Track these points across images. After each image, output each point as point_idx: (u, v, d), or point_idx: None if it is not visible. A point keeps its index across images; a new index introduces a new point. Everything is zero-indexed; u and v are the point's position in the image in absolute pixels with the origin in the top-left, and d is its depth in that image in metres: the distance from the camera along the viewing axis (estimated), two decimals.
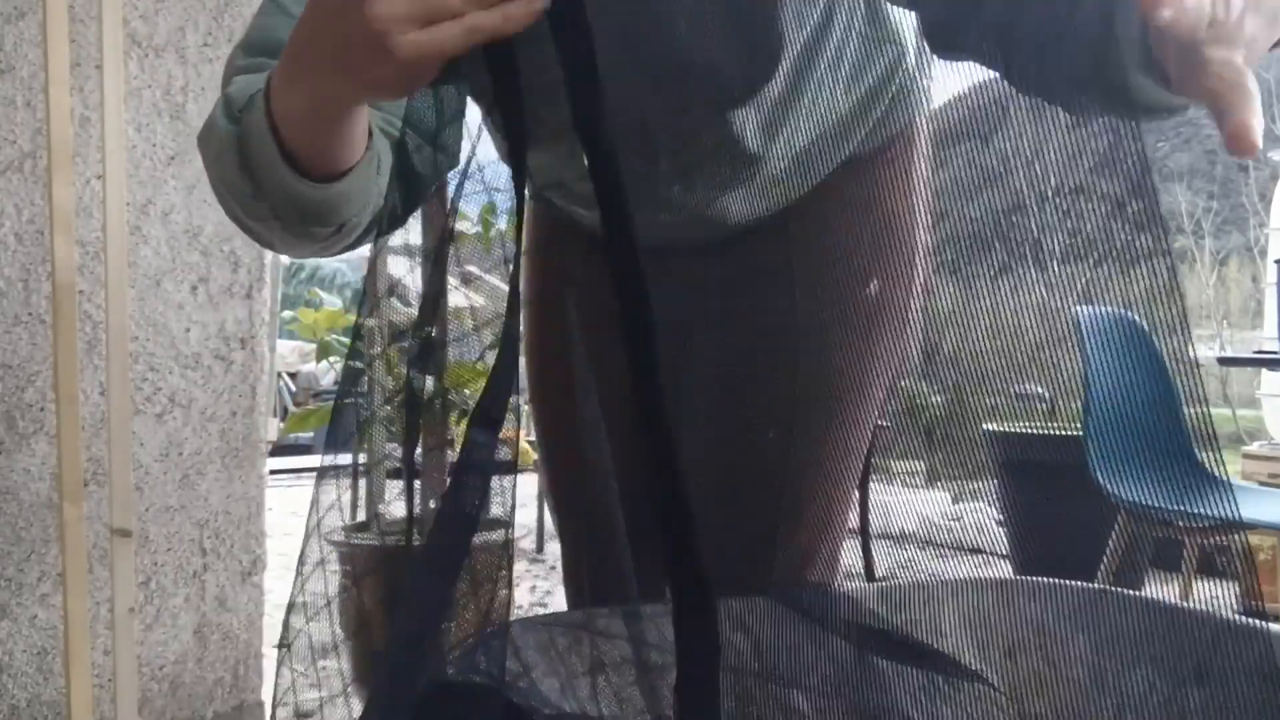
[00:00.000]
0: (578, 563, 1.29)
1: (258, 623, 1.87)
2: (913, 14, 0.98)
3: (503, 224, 1.82)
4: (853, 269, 1.02)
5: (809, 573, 1.13)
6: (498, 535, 1.88)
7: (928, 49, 0.91)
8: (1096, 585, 0.97)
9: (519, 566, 4.15)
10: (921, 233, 1.08)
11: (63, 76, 1.40)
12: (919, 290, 1.08)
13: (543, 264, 1.27)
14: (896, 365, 1.10)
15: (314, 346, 2.29)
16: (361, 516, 2.75)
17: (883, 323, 1.07)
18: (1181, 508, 2.48)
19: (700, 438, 1.13)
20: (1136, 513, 2.34)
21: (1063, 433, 3.82)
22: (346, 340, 2.31)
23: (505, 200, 1.53)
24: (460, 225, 1.74)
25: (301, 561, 0.85)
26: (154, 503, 1.73)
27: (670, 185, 0.99)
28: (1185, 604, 0.96)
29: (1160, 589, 3.66)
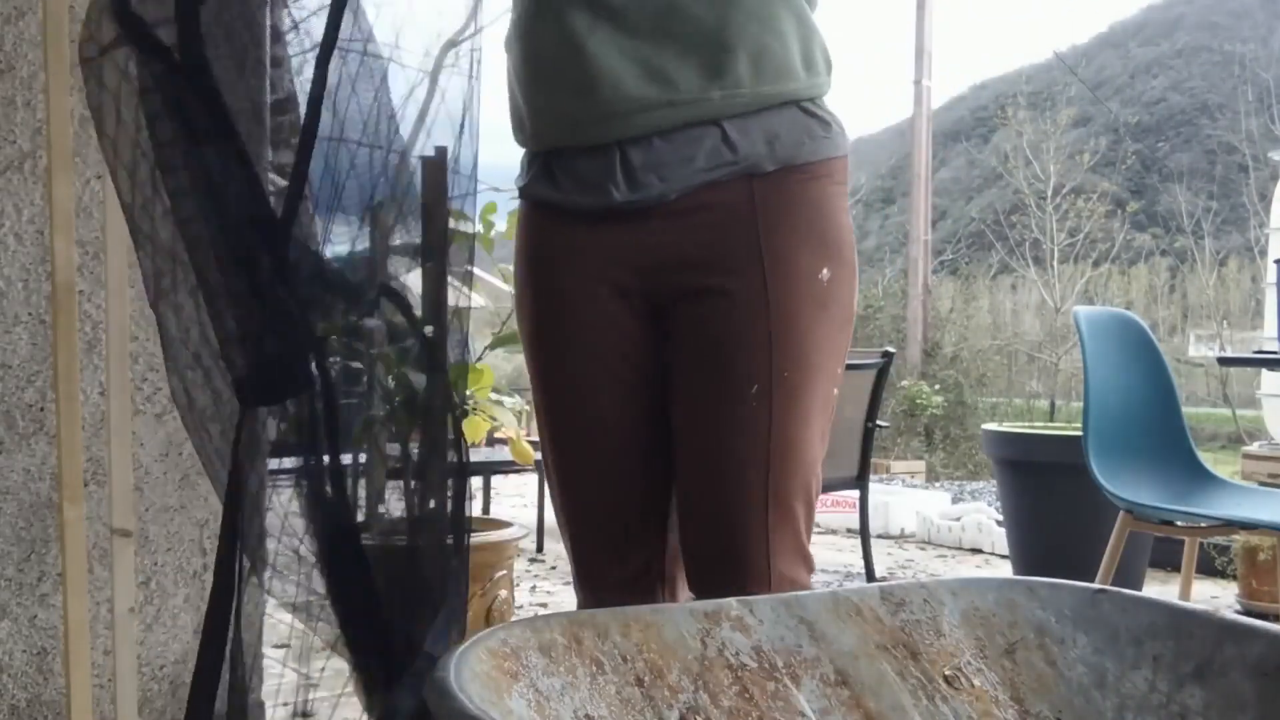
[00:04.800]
0: (584, 560, 1.32)
1: (257, 623, 1.87)
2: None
3: (502, 224, 1.82)
4: (808, 257, 1.20)
5: (790, 541, 1.23)
6: (497, 535, 1.90)
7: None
8: (1096, 585, 0.97)
9: (519, 566, 4.15)
10: (852, 239, 1.27)
11: (63, 76, 1.40)
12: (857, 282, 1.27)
13: (535, 264, 1.31)
14: (845, 349, 1.28)
15: None
16: (361, 516, 2.75)
17: (834, 307, 1.23)
18: (1181, 508, 2.48)
19: (687, 407, 1.23)
20: (1136, 513, 2.34)
21: (1063, 433, 3.81)
22: (346, 340, 2.30)
23: (506, 200, 1.54)
24: (460, 225, 1.73)
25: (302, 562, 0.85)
26: (154, 503, 1.73)
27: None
28: (1185, 604, 0.96)
29: (1160, 589, 3.66)
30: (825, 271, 1.21)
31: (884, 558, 4.24)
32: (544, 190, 1.28)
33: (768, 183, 1.21)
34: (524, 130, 1.30)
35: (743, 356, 1.19)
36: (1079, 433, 2.49)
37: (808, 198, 1.22)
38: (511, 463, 3.82)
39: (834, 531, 4.89)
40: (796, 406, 1.20)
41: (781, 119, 1.22)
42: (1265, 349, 4.62)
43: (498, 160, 1.46)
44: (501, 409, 2.14)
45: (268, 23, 1.91)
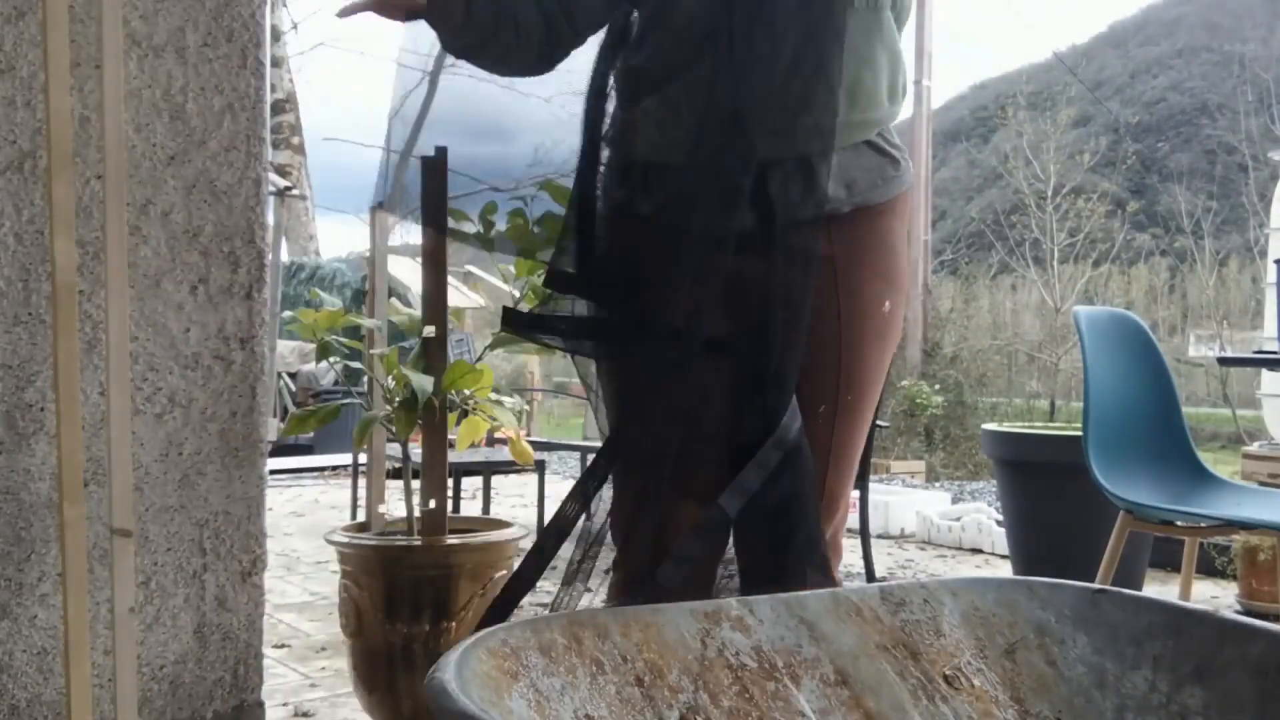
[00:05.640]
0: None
1: (258, 623, 1.87)
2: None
3: (502, 224, 1.82)
4: (875, 292, 1.34)
5: (831, 531, 1.38)
6: (497, 535, 1.90)
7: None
8: (1096, 585, 0.97)
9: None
10: (907, 265, 1.41)
11: (63, 76, 1.40)
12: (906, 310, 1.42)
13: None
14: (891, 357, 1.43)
15: (314, 346, 2.28)
16: (361, 516, 2.75)
17: (890, 336, 1.39)
18: (1181, 508, 2.47)
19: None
20: (1137, 513, 2.34)
21: (1063, 433, 3.79)
22: (346, 340, 2.30)
23: (506, 200, 1.54)
24: (460, 225, 1.74)
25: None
26: (154, 503, 1.73)
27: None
28: (1185, 604, 0.96)
29: (1160, 589, 3.65)
30: (887, 304, 1.35)
31: (884, 558, 4.23)
32: (636, 202, 1.35)
33: (843, 223, 1.32)
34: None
35: (815, 383, 1.32)
36: (1079, 433, 2.49)
37: (877, 236, 1.35)
38: (511, 463, 3.81)
39: None
40: (855, 421, 1.37)
41: (859, 162, 1.33)
42: (1265, 349, 4.62)
43: (498, 160, 1.46)
44: (501, 409, 2.14)
45: (268, 23, 1.91)
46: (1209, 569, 3.74)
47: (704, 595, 1.31)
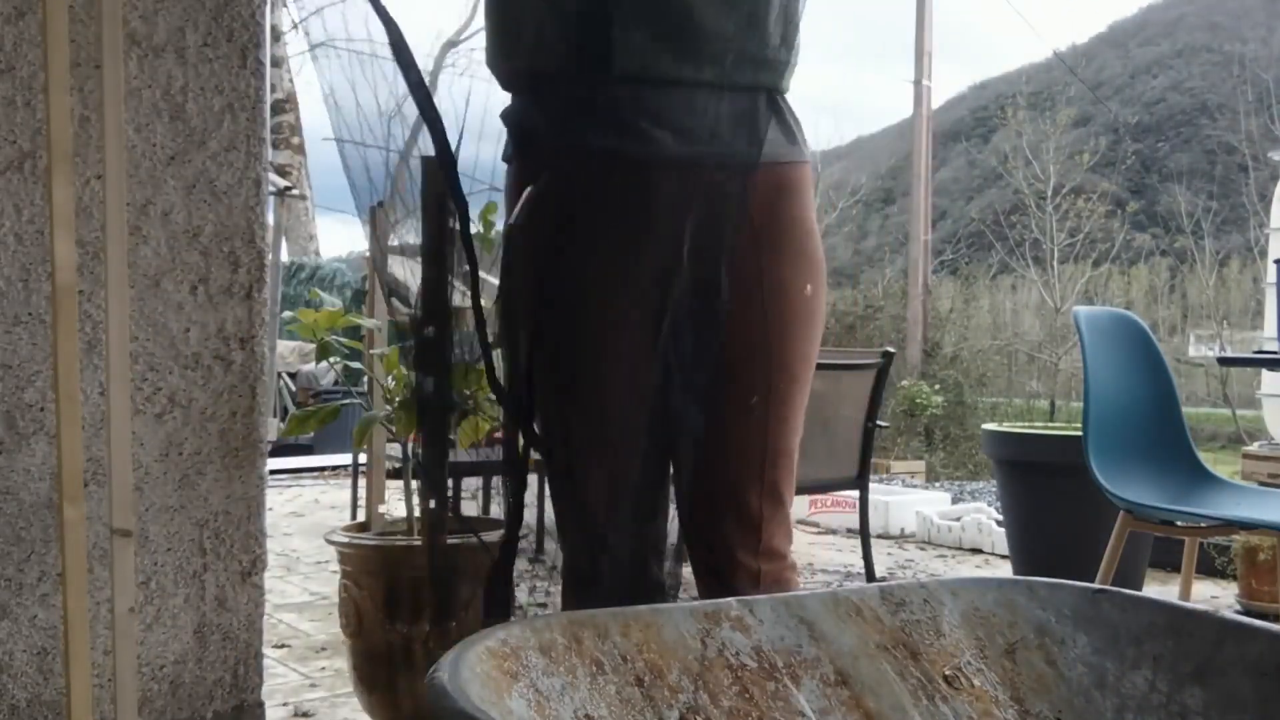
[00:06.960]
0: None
1: (258, 623, 1.87)
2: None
3: (503, 225, 1.83)
4: (796, 275, 1.34)
5: (780, 516, 1.37)
6: (497, 535, 1.90)
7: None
8: (1096, 585, 0.97)
9: (519, 566, 4.13)
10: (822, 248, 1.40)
11: (63, 76, 1.40)
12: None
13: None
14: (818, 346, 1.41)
15: (314, 346, 2.28)
16: (361, 516, 2.75)
17: (815, 321, 1.37)
18: (1181, 508, 2.47)
19: (698, 408, 1.32)
20: (1137, 513, 2.34)
21: (1063, 433, 3.79)
22: (346, 340, 2.30)
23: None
24: (460, 225, 1.73)
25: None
26: (154, 503, 1.73)
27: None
28: (1185, 604, 0.96)
29: (1160, 589, 3.65)
30: (809, 287, 1.35)
31: (884, 558, 4.23)
32: (595, 136, 1.29)
33: (757, 194, 1.30)
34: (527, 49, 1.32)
35: (746, 372, 1.32)
36: (1079, 433, 2.49)
37: (792, 217, 1.33)
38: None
39: (834, 531, 4.89)
40: (788, 410, 1.36)
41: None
42: (1265, 349, 4.62)
43: (497, 160, 1.46)
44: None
45: (268, 23, 1.91)
46: (1209, 569, 3.74)
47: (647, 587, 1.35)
